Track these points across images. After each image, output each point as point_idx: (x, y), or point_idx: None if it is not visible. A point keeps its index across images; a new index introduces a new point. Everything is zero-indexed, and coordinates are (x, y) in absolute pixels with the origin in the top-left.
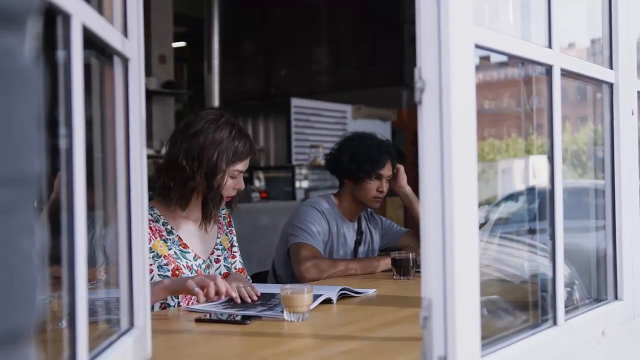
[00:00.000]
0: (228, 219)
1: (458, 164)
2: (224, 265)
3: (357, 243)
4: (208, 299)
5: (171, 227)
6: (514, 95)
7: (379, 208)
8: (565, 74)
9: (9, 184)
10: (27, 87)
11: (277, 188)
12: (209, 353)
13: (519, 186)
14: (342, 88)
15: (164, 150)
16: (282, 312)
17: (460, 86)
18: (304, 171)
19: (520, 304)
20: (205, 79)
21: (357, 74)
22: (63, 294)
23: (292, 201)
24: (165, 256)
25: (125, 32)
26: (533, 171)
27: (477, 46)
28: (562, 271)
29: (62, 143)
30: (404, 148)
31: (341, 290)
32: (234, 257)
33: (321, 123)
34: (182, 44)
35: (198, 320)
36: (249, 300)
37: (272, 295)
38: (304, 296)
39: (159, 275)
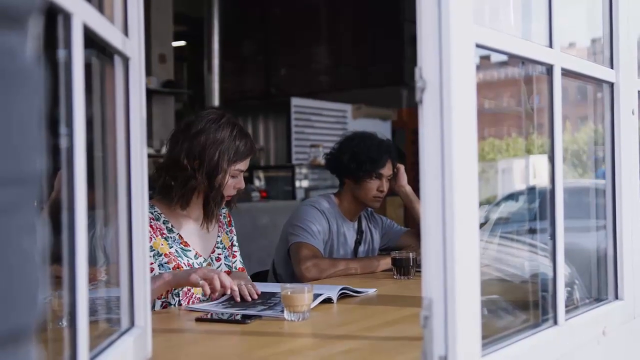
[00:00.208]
0: (228, 219)
1: (458, 163)
2: (225, 264)
3: (358, 242)
4: (214, 292)
5: (172, 226)
6: (514, 95)
7: (379, 207)
8: (566, 73)
9: (10, 183)
10: (28, 86)
11: (277, 187)
12: (210, 352)
13: (519, 186)
14: (342, 87)
15: (164, 150)
16: (283, 311)
17: (461, 85)
18: (304, 171)
19: (520, 304)
20: (205, 78)
21: (357, 73)
22: (63, 293)
23: (292, 201)
24: (166, 254)
25: (125, 31)
26: (533, 171)
27: (478, 45)
28: (563, 271)
29: (63, 142)
30: (404, 147)
31: (341, 289)
32: (234, 256)
33: (321, 122)
34: (182, 43)
35: (198, 320)
36: (249, 298)
37: (273, 294)
38: (304, 296)
39: (160, 273)
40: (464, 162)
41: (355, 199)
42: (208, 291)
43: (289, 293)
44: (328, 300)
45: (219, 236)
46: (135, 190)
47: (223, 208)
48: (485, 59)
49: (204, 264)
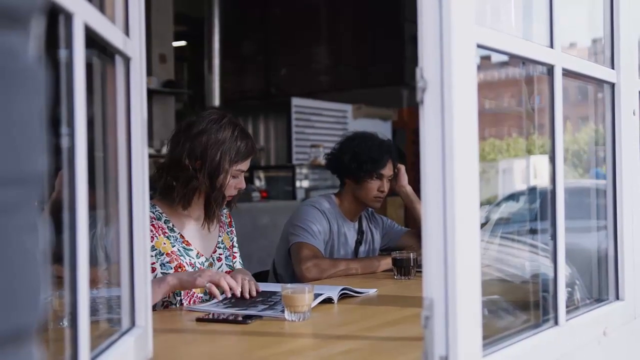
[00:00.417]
0: (229, 219)
1: (459, 164)
2: (226, 264)
3: (358, 243)
4: (224, 293)
5: (173, 225)
6: (515, 95)
7: (380, 208)
8: (567, 73)
9: (12, 183)
10: (30, 86)
11: (277, 188)
12: (210, 352)
13: (520, 186)
14: (343, 87)
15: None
16: (283, 311)
17: (462, 86)
18: (305, 171)
19: (521, 304)
20: (206, 78)
21: (358, 73)
22: (64, 293)
23: (293, 201)
24: (168, 254)
25: (126, 31)
26: (534, 171)
27: (479, 46)
28: (564, 271)
29: (64, 142)
30: (404, 147)
31: (342, 290)
32: (234, 257)
33: (321, 122)
34: (182, 43)
35: (199, 320)
36: (247, 296)
37: (273, 293)
38: (304, 296)
39: (162, 273)
40: (464, 162)
41: (355, 199)
42: (217, 293)
43: (289, 293)
44: (329, 301)
45: (220, 236)
46: (136, 190)
47: (224, 208)
48: (485, 59)
49: (206, 264)
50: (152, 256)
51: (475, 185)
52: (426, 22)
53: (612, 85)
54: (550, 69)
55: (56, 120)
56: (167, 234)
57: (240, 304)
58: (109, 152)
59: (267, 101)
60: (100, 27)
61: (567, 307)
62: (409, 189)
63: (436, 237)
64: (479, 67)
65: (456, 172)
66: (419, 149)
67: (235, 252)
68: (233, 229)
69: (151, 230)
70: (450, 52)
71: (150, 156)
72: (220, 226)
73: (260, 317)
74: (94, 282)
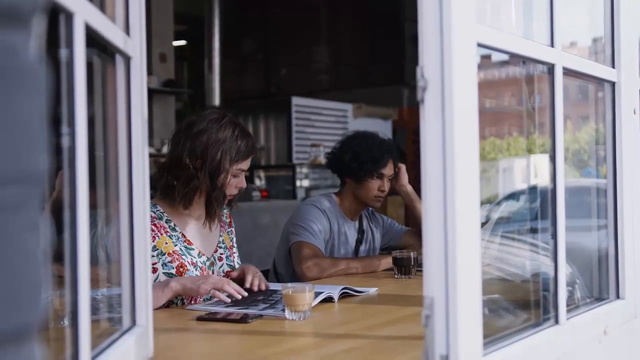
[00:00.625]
0: (229, 219)
1: (460, 163)
2: (227, 264)
3: (359, 242)
4: (230, 296)
5: (174, 225)
6: (516, 94)
7: (380, 207)
8: (567, 72)
9: (14, 182)
10: (31, 85)
11: (277, 187)
12: (211, 351)
13: (520, 185)
14: (343, 87)
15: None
16: (284, 310)
17: (463, 84)
18: (305, 170)
19: (521, 303)
20: (206, 77)
21: (358, 72)
22: (65, 292)
23: (293, 200)
24: (169, 253)
25: (127, 30)
26: (534, 170)
27: (479, 45)
28: (564, 270)
29: (65, 141)
30: (405, 147)
31: (342, 289)
32: (233, 257)
33: (322, 122)
34: (182, 42)
35: (200, 319)
36: (256, 288)
37: (274, 292)
38: (305, 295)
39: (163, 273)
40: (465, 161)
41: (356, 198)
42: (222, 296)
43: (290, 292)
44: (329, 300)
45: (221, 236)
46: (137, 189)
47: (224, 208)
48: (486, 58)
49: (207, 263)
50: (153, 256)
51: (476, 184)
52: (426, 21)
53: (613, 84)
54: (551, 68)
55: (57, 119)
56: (168, 233)
57: (241, 303)
58: (110, 151)
59: (267, 100)
60: (100, 26)
61: (567, 306)
62: (409, 188)
63: (437, 236)
64: (480, 66)
65: (457, 171)
66: (419, 148)
67: (234, 253)
68: (233, 229)
69: (152, 230)
70: (450, 51)
71: (151, 155)
72: (221, 226)
73: (260, 316)
74: (94, 282)
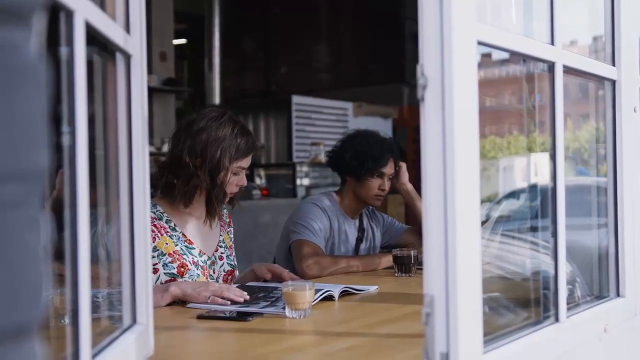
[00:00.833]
0: (229, 219)
1: (460, 161)
2: (227, 263)
3: (359, 240)
4: (229, 301)
5: (174, 225)
6: (516, 93)
7: (380, 205)
8: (568, 70)
9: (15, 179)
10: (32, 82)
11: (278, 185)
12: (211, 350)
13: (521, 184)
14: (343, 85)
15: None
16: (284, 308)
17: (463, 83)
18: (305, 169)
19: (522, 301)
20: (206, 76)
21: (358, 71)
22: (66, 290)
23: (293, 199)
24: (170, 254)
25: (127, 28)
26: (534, 169)
27: (480, 43)
28: (564, 268)
29: (65, 140)
30: (405, 145)
31: (342, 288)
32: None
33: (322, 120)
34: (182, 41)
35: (200, 317)
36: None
37: (274, 289)
38: (305, 293)
39: (164, 273)
40: (465, 160)
41: (356, 197)
42: (221, 301)
43: (290, 290)
44: (329, 298)
45: (221, 235)
46: (137, 187)
47: (224, 208)
48: (486, 56)
49: (208, 262)
50: (154, 257)
51: (476, 182)
52: (427, 19)
53: (613, 82)
54: (551, 66)
55: (57, 118)
56: (169, 234)
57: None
58: (110, 150)
59: (268, 99)
60: (101, 24)
61: (567, 304)
62: (409, 186)
63: (437, 234)
64: (480, 65)
65: (457, 169)
66: (419, 147)
67: (232, 253)
68: (232, 229)
69: (152, 231)
70: (450, 49)
71: (151, 154)
72: (222, 225)
73: (261, 314)
74: (94, 280)
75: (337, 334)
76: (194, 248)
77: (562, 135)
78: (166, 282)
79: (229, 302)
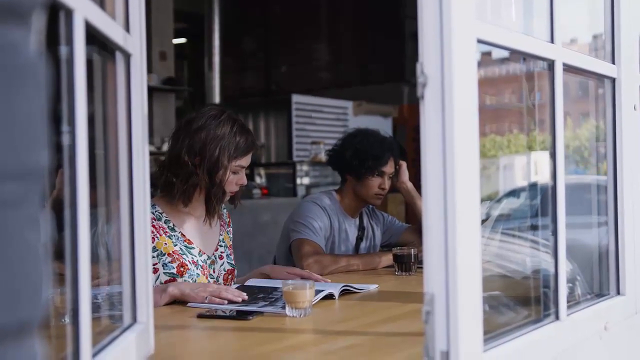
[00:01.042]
0: (228, 219)
1: (460, 160)
2: (228, 262)
3: (359, 239)
4: (226, 300)
5: (173, 225)
6: (516, 91)
7: (381, 204)
8: (568, 68)
9: (14, 177)
10: (32, 81)
11: (278, 185)
12: (211, 348)
13: (521, 182)
14: (343, 84)
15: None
16: (284, 307)
17: (463, 81)
18: (305, 168)
19: (522, 300)
20: (206, 75)
21: (358, 70)
22: (66, 290)
23: (293, 198)
24: (169, 254)
25: (127, 27)
26: (535, 167)
27: (479, 41)
28: (565, 266)
29: (65, 139)
30: (405, 144)
31: (343, 287)
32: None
33: (322, 119)
34: (182, 40)
35: (200, 316)
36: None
37: (274, 289)
38: (305, 292)
39: (164, 273)
40: (465, 158)
41: (356, 195)
42: (219, 301)
43: (290, 289)
44: (330, 297)
45: (221, 235)
46: (137, 186)
47: (225, 208)
48: (486, 55)
49: (208, 262)
50: (153, 257)
51: (476, 181)
52: (426, 17)
53: (613, 80)
54: (551, 64)
55: (57, 117)
56: (168, 234)
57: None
58: (110, 149)
59: (268, 98)
60: (100, 23)
61: (568, 302)
62: (409, 185)
63: (437, 233)
64: (480, 63)
65: (457, 168)
66: (419, 146)
67: (231, 252)
68: (231, 229)
69: (152, 231)
70: (450, 47)
71: (151, 154)
72: (222, 225)
73: (261, 313)
74: (95, 280)
75: (337, 332)
76: (194, 248)
77: (562, 134)
78: (166, 282)
79: (226, 302)
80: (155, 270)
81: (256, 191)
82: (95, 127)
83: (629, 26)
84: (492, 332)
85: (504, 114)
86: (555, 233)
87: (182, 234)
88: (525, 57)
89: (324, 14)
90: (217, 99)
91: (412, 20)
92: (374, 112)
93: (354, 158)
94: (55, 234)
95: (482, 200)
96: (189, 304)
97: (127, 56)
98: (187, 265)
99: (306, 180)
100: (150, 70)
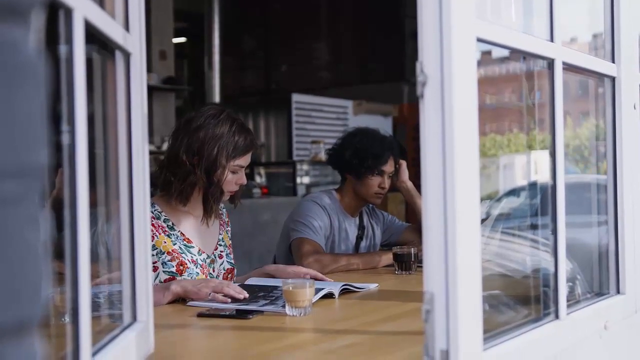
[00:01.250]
0: (227, 219)
1: (460, 159)
2: (227, 261)
3: (359, 238)
4: (229, 298)
5: (172, 224)
6: (516, 90)
7: (380, 203)
8: (567, 67)
9: (14, 176)
10: (32, 79)
11: (278, 184)
12: (211, 347)
13: (521, 181)
14: (343, 84)
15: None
16: (284, 306)
17: (462, 80)
18: (305, 167)
19: (522, 299)
20: (206, 74)
21: (358, 69)
22: (66, 289)
23: (293, 197)
24: (168, 252)
25: (127, 26)
26: (534, 166)
27: (479, 40)
28: (564, 265)
29: (65, 139)
30: (405, 143)
31: (343, 286)
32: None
33: (322, 119)
34: (182, 39)
35: (200, 315)
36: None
37: (274, 288)
38: (305, 291)
39: (164, 272)
40: (465, 158)
41: (356, 194)
42: (221, 298)
43: (290, 288)
44: (329, 296)
45: (220, 234)
46: (137, 186)
47: (224, 208)
48: (486, 54)
49: (207, 261)
50: (153, 255)
51: (476, 180)
52: (426, 16)
53: (613, 79)
54: (551, 63)
55: (56, 117)
56: (167, 233)
57: (242, 299)
58: (110, 149)
59: (268, 97)
60: (100, 22)
61: (567, 301)
62: (409, 184)
63: (437, 232)
64: (480, 62)
65: (457, 167)
66: (419, 145)
67: (231, 251)
68: (229, 228)
69: (151, 230)
70: (450, 46)
71: (151, 153)
72: (221, 224)
73: (261, 312)
74: (95, 279)
75: (337, 331)
76: (193, 247)
77: (562, 133)
78: (165, 280)
79: (229, 300)
80: (154, 269)
81: (256, 190)
82: (95, 126)
83: (628, 25)
84: (492, 331)
85: (504, 113)
86: (555, 232)
87: (181, 232)
88: (525, 56)
89: (324, 13)
90: (217, 98)
91: (412, 19)
92: (374, 111)
93: (354, 157)
94: (55, 233)
95: (482, 199)
96: (189, 303)
97: (126, 55)
98: (186, 264)
99: (306, 180)
100: (150, 69)
